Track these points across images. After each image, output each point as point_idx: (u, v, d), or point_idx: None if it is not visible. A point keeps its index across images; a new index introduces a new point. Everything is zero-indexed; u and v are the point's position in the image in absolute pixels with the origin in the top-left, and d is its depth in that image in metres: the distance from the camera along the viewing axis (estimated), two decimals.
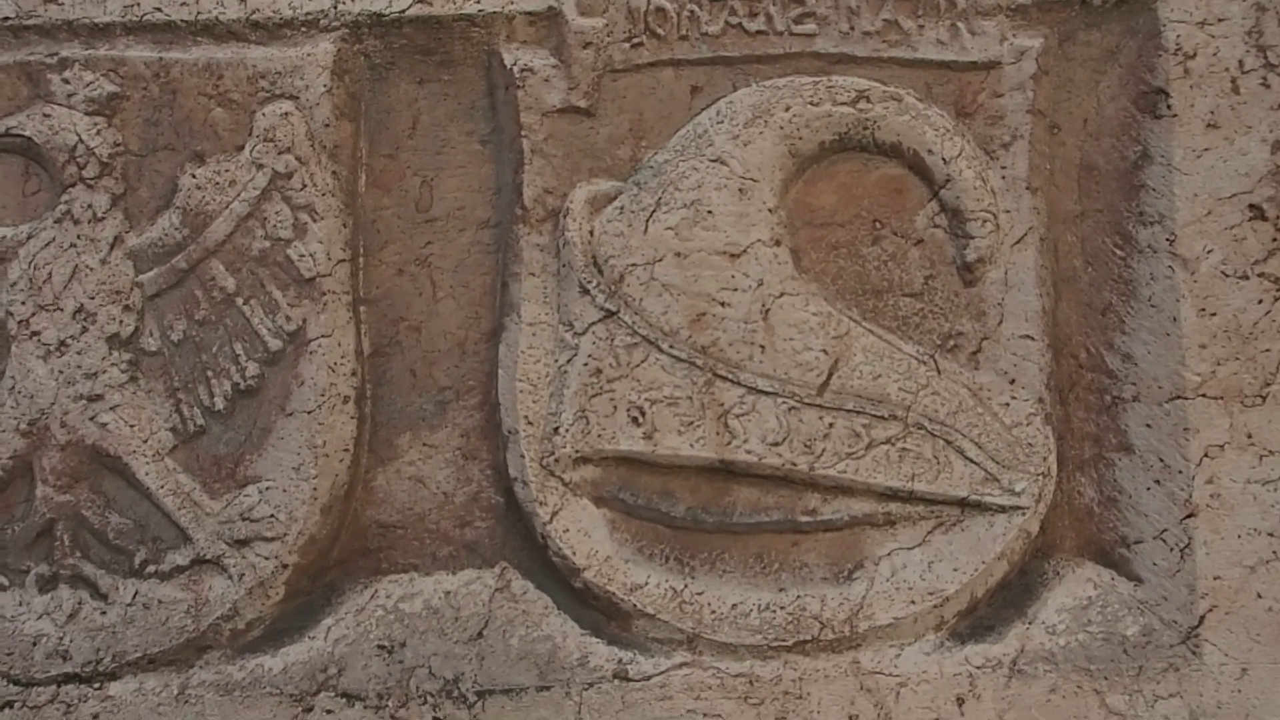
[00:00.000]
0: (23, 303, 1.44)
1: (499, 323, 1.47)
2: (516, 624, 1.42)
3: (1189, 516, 1.39)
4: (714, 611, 1.40)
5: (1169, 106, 1.42)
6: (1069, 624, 1.41)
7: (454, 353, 1.49)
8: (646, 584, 1.41)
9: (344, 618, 1.43)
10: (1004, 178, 1.43)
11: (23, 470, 1.44)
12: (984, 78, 1.43)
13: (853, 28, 1.44)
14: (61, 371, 1.43)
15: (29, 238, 1.45)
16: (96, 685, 1.40)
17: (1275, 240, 1.40)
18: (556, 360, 1.43)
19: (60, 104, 1.45)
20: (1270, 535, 1.39)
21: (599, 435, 1.41)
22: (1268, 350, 1.40)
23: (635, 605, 1.40)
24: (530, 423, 1.42)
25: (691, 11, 1.44)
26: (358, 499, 1.47)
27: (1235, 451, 1.39)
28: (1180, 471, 1.40)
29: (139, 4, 1.45)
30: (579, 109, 1.45)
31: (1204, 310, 1.40)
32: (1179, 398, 1.40)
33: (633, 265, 1.42)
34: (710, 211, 1.42)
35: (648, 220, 1.43)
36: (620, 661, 1.40)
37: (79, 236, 1.44)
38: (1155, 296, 1.42)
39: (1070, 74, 1.46)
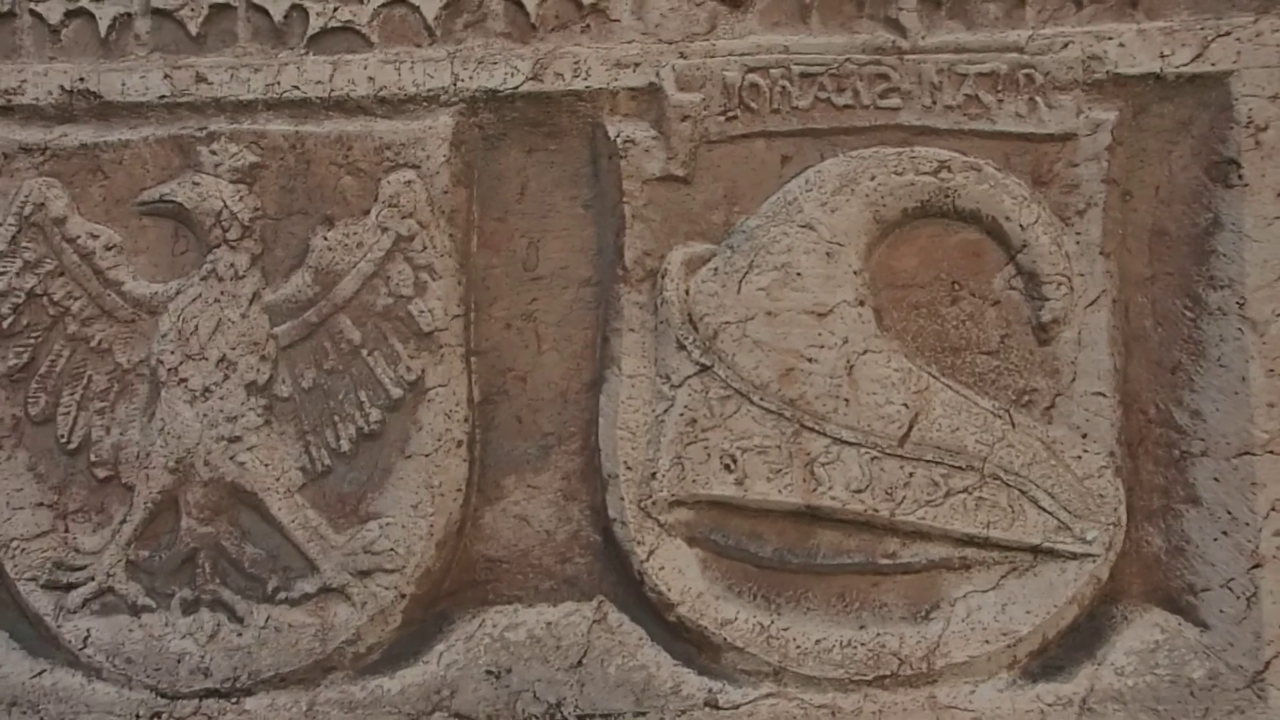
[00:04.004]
0: (172, 352, 1.59)
1: (599, 374, 1.59)
2: (614, 654, 1.54)
3: (1256, 567, 1.46)
4: (799, 646, 1.50)
5: (1240, 176, 1.49)
6: (1137, 666, 1.48)
7: (556, 401, 1.61)
8: (736, 619, 1.51)
9: (455, 644, 1.56)
10: (1078, 243, 1.52)
11: (169, 504, 1.59)
12: (1060, 149, 1.52)
13: (935, 102, 1.54)
14: (206, 415, 1.58)
15: (178, 293, 1.61)
16: (234, 700, 1.55)
17: None
18: (654, 410, 1.54)
19: (208, 173, 1.60)
20: None
21: (693, 480, 1.52)
22: None
23: (725, 639, 1.50)
24: (629, 468, 1.54)
25: (783, 87, 1.55)
26: (467, 535, 1.60)
27: None
28: (1247, 524, 1.47)
29: (279, 83, 1.60)
30: (677, 177, 1.56)
31: (1272, 371, 1.47)
32: (1247, 453, 1.47)
33: (726, 323, 1.53)
34: (799, 274, 1.52)
35: (740, 281, 1.53)
36: (711, 691, 1.50)
37: (222, 293, 1.59)
38: (1224, 357, 1.49)
39: (1143, 144, 1.54)
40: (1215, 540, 1.49)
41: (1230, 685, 1.46)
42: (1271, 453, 1.46)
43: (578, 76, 1.57)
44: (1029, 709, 1.47)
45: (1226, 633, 1.48)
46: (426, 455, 1.56)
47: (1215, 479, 1.49)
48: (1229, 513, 1.48)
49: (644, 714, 1.50)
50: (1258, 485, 1.47)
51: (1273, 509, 1.46)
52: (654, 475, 1.53)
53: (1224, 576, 1.48)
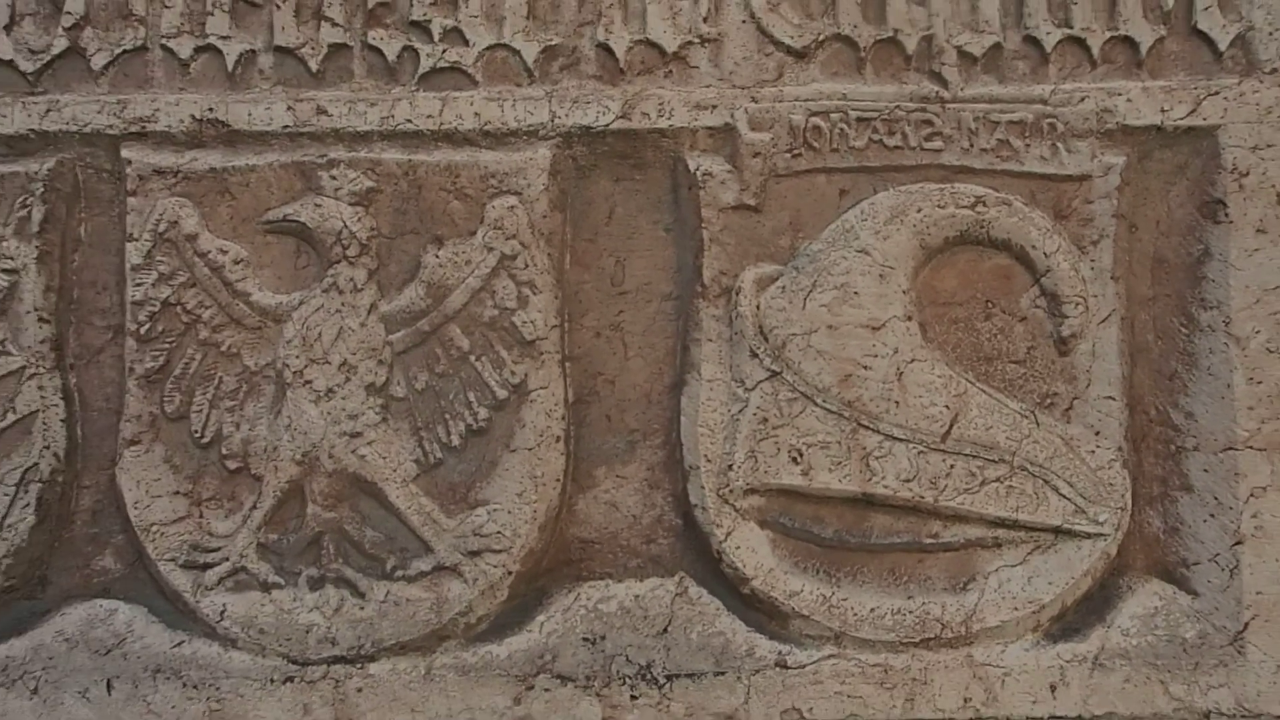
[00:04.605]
0: (297, 356, 1.77)
1: (680, 378, 1.81)
2: (695, 622, 1.76)
3: (1237, 544, 1.74)
4: (856, 614, 1.74)
5: (1226, 214, 1.76)
6: (1139, 628, 1.75)
7: (641, 402, 1.83)
8: (801, 591, 1.75)
9: (554, 615, 1.77)
10: (1092, 268, 1.77)
11: (296, 492, 1.77)
12: (1077, 187, 1.77)
13: (972, 145, 1.78)
14: (329, 413, 1.77)
15: (301, 304, 1.79)
16: (359, 665, 1.74)
17: None
18: (730, 410, 1.77)
19: (328, 196, 1.79)
20: None
21: (765, 471, 1.75)
22: None
23: (793, 608, 1.74)
24: (709, 460, 1.76)
25: (841, 129, 1.78)
26: (563, 519, 1.81)
27: (1275, 493, 1.73)
28: (1231, 508, 1.74)
29: (393, 116, 1.79)
30: (749, 206, 1.78)
31: (1252, 379, 1.74)
32: (1231, 449, 1.74)
33: (793, 334, 1.76)
34: (856, 292, 1.76)
35: (805, 298, 1.77)
36: (780, 653, 1.74)
37: (343, 304, 1.77)
38: (1213, 367, 1.76)
39: (1146, 184, 1.80)
40: (1204, 522, 1.76)
41: (1216, 643, 1.74)
42: (1251, 448, 1.73)
43: (662, 116, 1.78)
44: (1050, 665, 1.73)
45: (1213, 599, 1.75)
46: (529, 449, 1.77)
47: (1205, 470, 1.76)
48: (1216, 498, 1.75)
49: (723, 673, 1.73)
50: (1240, 475, 1.74)
51: (1252, 495, 1.73)
52: (730, 467, 1.75)
53: (1211, 552, 1.75)
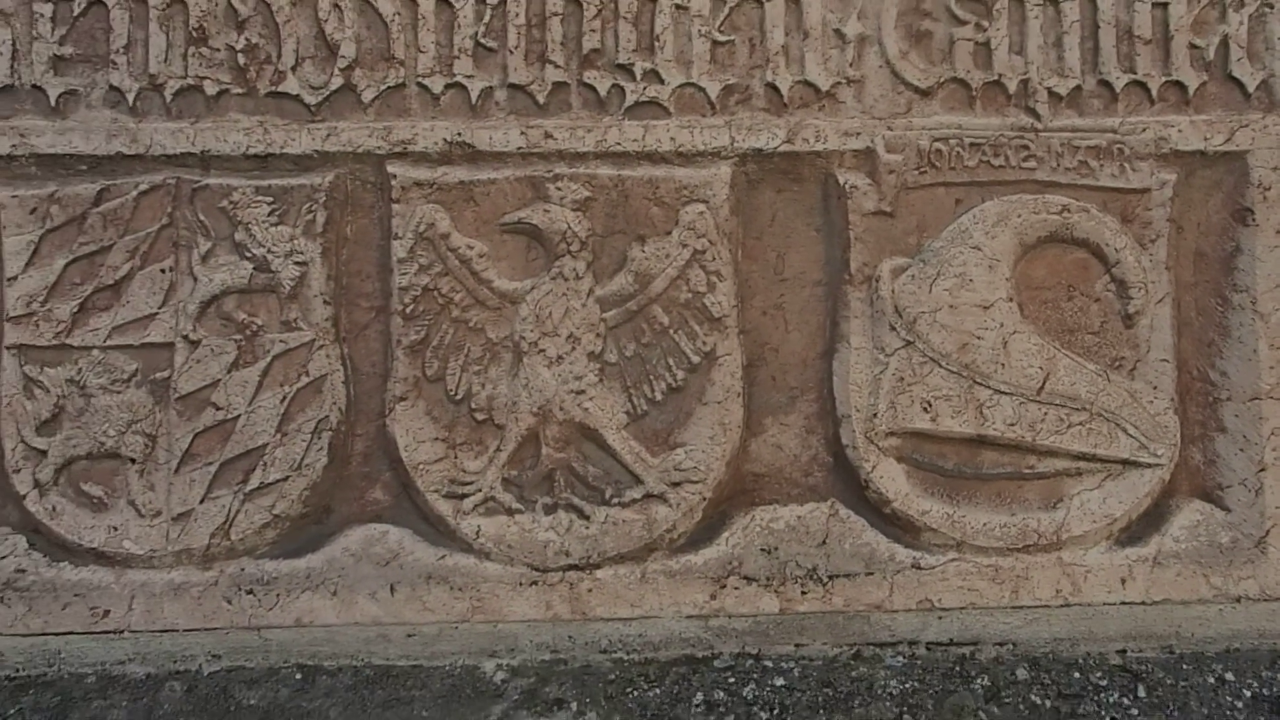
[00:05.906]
0: (531, 330, 2.24)
1: (830, 347, 2.30)
2: (846, 536, 2.26)
3: (1261, 470, 2.26)
4: (972, 527, 2.25)
5: (1253, 219, 2.28)
6: (1187, 536, 2.28)
7: (799, 366, 2.32)
8: (930, 510, 2.25)
9: (736, 532, 2.26)
10: (1150, 261, 2.29)
11: (532, 438, 2.25)
12: (1140, 198, 2.29)
13: (1058, 165, 2.28)
14: (559, 375, 2.24)
15: (533, 289, 2.26)
16: (588, 571, 2.23)
17: None
18: (873, 372, 2.27)
19: (554, 203, 2.25)
20: None
21: (902, 418, 2.25)
22: None
23: (924, 523, 2.24)
24: (857, 410, 2.26)
25: (957, 152, 2.28)
26: (739, 458, 2.30)
27: None
28: (1256, 444, 2.27)
29: (605, 139, 2.26)
30: (885, 212, 2.28)
31: (1273, 345, 2.26)
32: (1256, 399, 2.27)
33: (922, 312, 2.26)
34: (970, 279, 2.26)
35: (931, 284, 2.26)
36: (915, 558, 2.25)
37: (567, 289, 2.25)
38: (1242, 337, 2.29)
39: (1191, 195, 2.32)
40: (1235, 455, 2.29)
41: (1244, 546, 2.27)
42: (1272, 398, 2.26)
43: (818, 141, 2.27)
44: (1120, 564, 2.25)
45: (1242, 514, 2.28)
46: (719, 402, 2.25)
47: (1236, 415, 2.29)
48: (1244, 437, 2.28)
49: (871, 574, 2.24)
50: (1263, 419, 2.26)
51: (1272, 434, 2.26)
52: (874, 415, 2.25)
53: (1240, 478, 2.28)
